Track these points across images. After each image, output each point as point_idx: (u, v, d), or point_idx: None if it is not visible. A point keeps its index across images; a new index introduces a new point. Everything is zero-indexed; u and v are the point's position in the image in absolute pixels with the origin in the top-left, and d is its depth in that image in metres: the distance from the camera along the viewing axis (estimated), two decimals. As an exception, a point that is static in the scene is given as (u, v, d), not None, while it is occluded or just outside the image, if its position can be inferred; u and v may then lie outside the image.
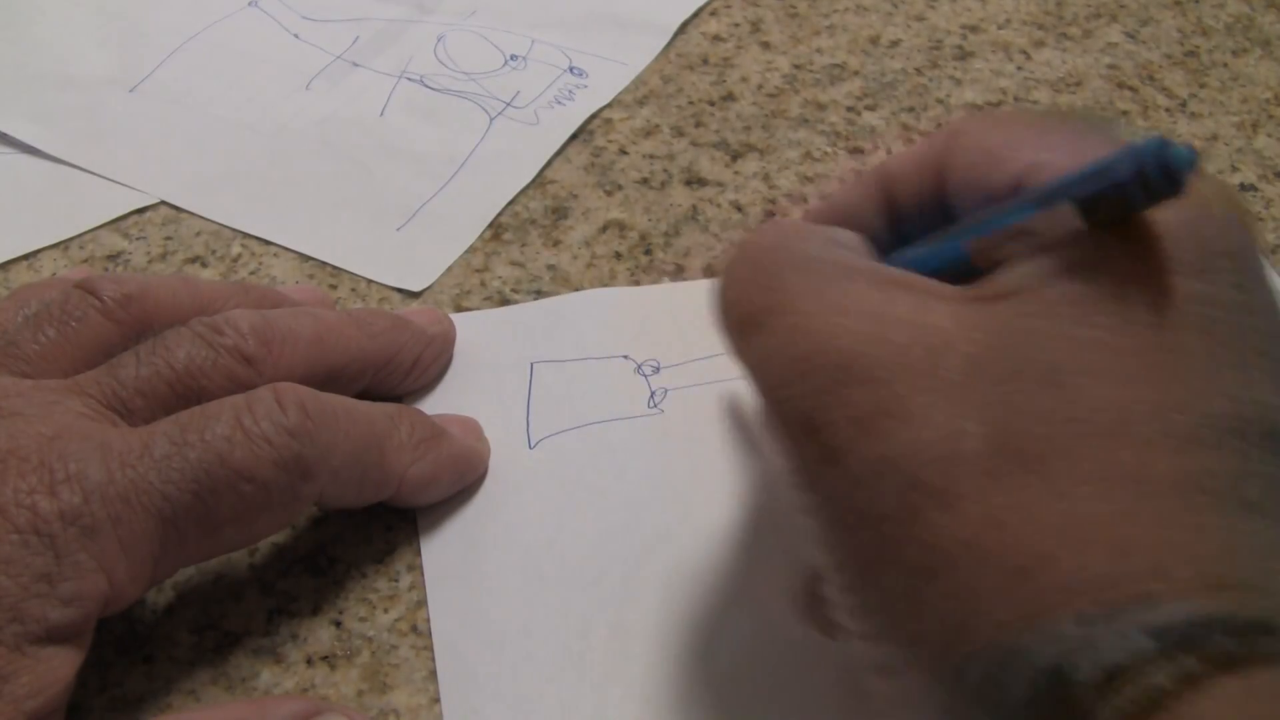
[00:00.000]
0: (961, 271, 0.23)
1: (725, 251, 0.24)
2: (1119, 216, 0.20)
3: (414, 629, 0.29)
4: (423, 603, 0.29)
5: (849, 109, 0.45)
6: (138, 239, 0.39)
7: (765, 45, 0.48)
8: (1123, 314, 0.20)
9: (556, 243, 0.39)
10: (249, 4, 0.49)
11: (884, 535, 0.20)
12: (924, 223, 0.25)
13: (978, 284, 0.22)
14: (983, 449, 0.19)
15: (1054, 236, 0.21)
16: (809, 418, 0.21)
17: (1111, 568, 0.18)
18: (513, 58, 0.47)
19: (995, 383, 0.20)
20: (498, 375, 0.34)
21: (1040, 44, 0.49)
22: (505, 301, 0.37)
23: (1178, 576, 0.18)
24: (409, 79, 0.46)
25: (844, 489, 0.20)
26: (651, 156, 0.43)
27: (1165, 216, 0.20)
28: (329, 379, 0.30)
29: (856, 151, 0.43)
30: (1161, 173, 0.19)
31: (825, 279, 0.22)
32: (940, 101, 0.45)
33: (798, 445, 0.21)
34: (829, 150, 0.43)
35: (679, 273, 0.38)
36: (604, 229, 0.40)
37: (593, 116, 0.44)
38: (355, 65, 0.46)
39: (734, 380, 0.34)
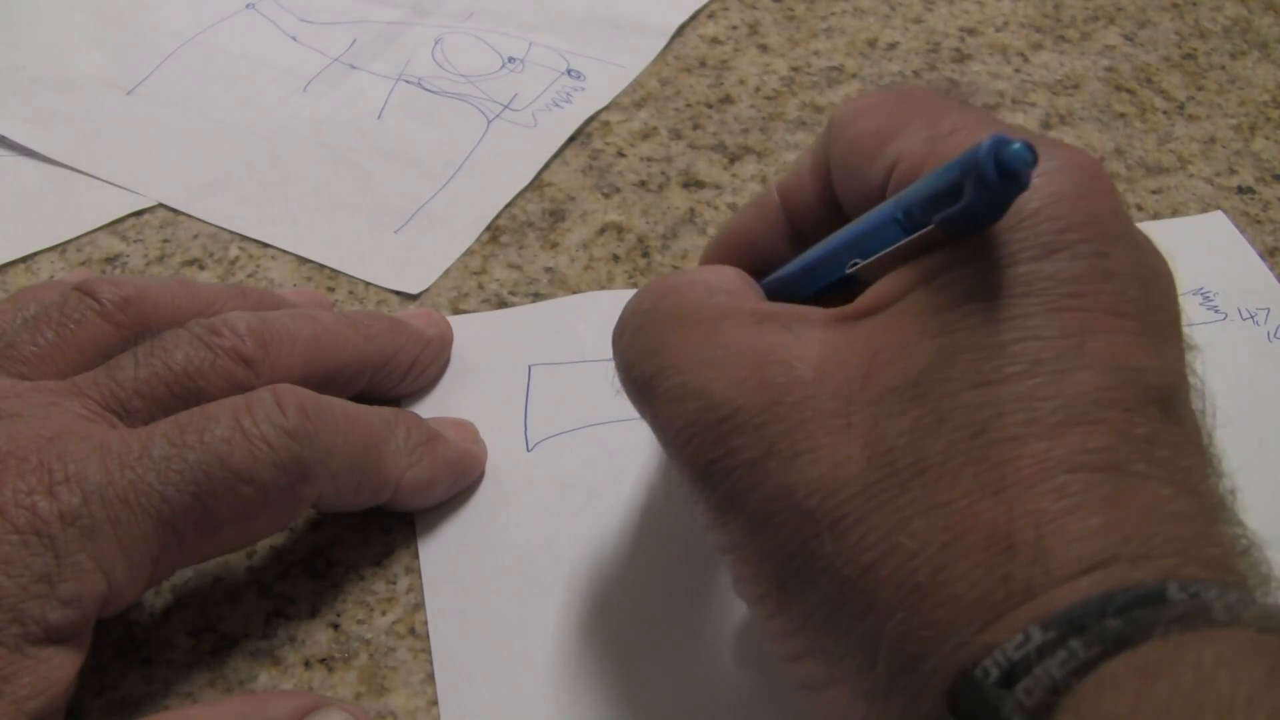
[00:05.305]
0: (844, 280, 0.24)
1: (620, 316, 0.26)
2: (978, 226, 0.20)
3: (412, 631, 0.29)
4: (420, 605, 0.29)
5: (846, 111, 0.45)
6: (135, 241, 0.39)
7: (763, 48, 0.48)
8: (981, 313, 0.20)
9: (554, 245, 0.39)
10: (246, 6, 0.49)
11: (792, 570, 0.20)
12: (827, 229, 0.26)
13: (848, 305, 0.22)
14: (864, 473, 0.20)
15: (913, 248, 0.21)
16: (705, 471, 0.22)
17: (995, 569, 0.18)
18: (510, 60, 0.47)
19: (868, 404, 0.20)
20: (495, 377, 0.34)
21: (1038, 46, 0.49)
22: (503, 304, 0.37)
23: (1058, 563, 0.18)
24: (407, 81, 0.46)
25: (748, 530, 0.21)
26: (649, 159, 0.43)
27: (1017, 204, 0.20)
28: (326, 381, 0.30)
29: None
30: (1000, 176, 0.19)
31: (703, 332, 0.23)
32: (937, 104, 0.45)
33: (702, 496, 0.22)
34: (826, 153, 0.43)
35: (677, 275, 0.38)
36: (601, 231, 0.40)
37: (590, 119, 0.44)
38: (353, 68, 0.46)
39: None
